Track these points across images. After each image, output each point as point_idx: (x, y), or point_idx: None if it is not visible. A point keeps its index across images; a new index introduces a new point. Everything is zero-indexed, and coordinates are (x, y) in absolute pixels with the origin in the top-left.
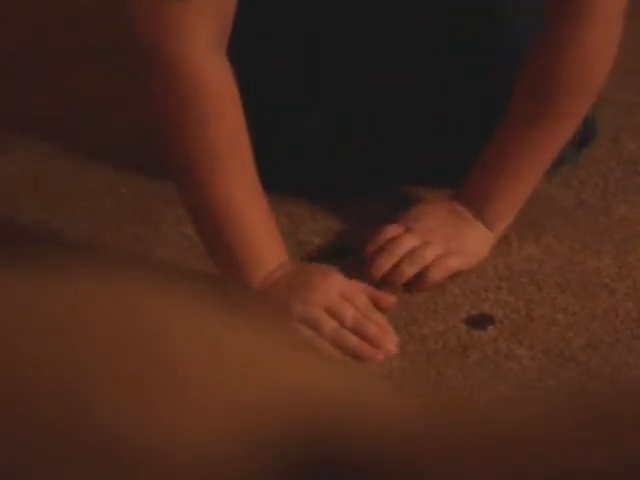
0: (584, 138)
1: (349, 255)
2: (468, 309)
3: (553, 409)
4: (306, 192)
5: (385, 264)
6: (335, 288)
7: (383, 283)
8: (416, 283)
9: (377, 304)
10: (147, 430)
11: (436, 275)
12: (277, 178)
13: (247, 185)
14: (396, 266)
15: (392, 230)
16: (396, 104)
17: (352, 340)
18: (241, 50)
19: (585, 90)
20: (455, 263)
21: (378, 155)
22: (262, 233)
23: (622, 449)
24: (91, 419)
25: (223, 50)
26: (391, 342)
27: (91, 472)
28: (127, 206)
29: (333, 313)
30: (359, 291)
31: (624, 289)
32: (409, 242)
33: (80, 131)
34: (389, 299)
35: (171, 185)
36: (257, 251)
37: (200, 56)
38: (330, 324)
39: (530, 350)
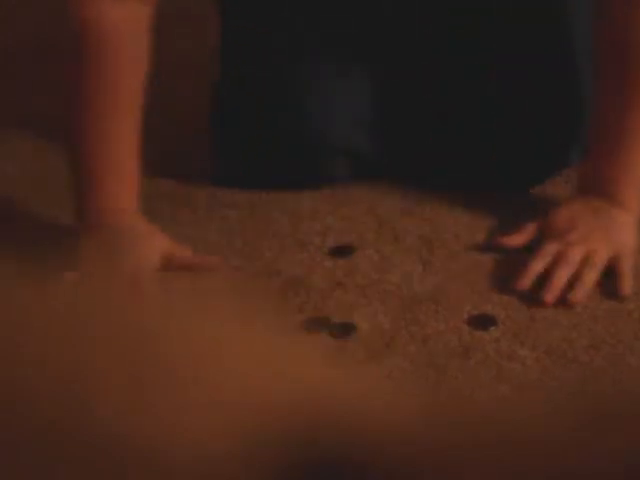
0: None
1: (351, 254)
2: (470, 309)
3: (553, 409)
4: (306, 191)
5: (562, 275)
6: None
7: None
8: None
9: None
10: (147, 430)
11: (628, 281)
12: (277, 178)
13: (114, 125)
14: (575, 275)
15: (553, 247)
16: (397, 104)
17: None
18: (241, 50)
19: None
20: (629, 262)
21: (378, 155)
22: (112, 178)
23: (622, 449)
24: (91, 419)
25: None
26: None
27: (91, 472)
28: None
29: None
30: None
31: None
32: (577, 253)
33: None
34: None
35: (171, 185)
36: (100, 191)
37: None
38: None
39: (532, 351)
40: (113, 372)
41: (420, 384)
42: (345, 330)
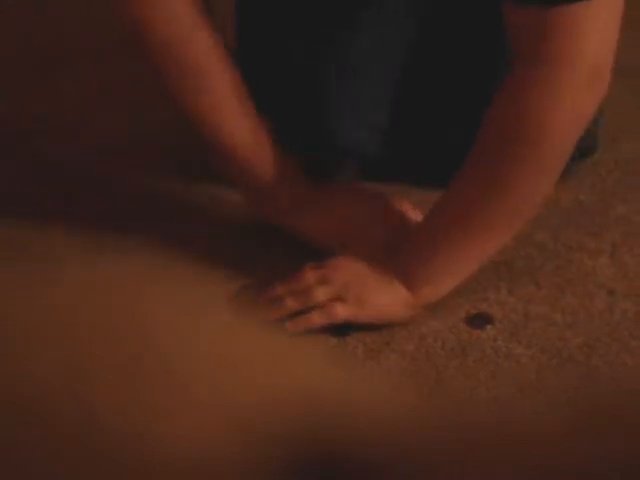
0: (586, 150)
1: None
2: (467, 308)
3: (553, 409)
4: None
5: (292, 307)
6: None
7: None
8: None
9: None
10: (148, 430)
11: (316, 319)
12: None
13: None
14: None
15: (308, 279)
16: (404, 107)
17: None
18: (257, 49)
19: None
20: (344, 312)
21: (385, 157)
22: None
23: (622, 449)
24: (94, 421)
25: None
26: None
27: (92, 472)
28: (127, 206)
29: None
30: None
31: (621, 289)
32: (320, 296)
33: (80, 131)
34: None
35: (171, 185)
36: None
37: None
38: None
39: (529, 349)
40: (115, 374)
41: (418, 382)
42: (345, 329)
